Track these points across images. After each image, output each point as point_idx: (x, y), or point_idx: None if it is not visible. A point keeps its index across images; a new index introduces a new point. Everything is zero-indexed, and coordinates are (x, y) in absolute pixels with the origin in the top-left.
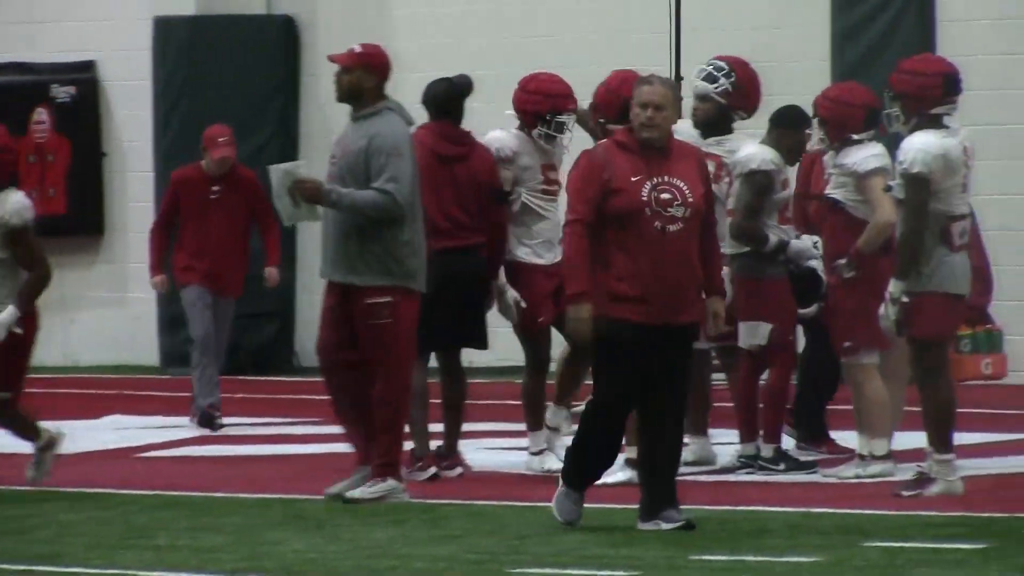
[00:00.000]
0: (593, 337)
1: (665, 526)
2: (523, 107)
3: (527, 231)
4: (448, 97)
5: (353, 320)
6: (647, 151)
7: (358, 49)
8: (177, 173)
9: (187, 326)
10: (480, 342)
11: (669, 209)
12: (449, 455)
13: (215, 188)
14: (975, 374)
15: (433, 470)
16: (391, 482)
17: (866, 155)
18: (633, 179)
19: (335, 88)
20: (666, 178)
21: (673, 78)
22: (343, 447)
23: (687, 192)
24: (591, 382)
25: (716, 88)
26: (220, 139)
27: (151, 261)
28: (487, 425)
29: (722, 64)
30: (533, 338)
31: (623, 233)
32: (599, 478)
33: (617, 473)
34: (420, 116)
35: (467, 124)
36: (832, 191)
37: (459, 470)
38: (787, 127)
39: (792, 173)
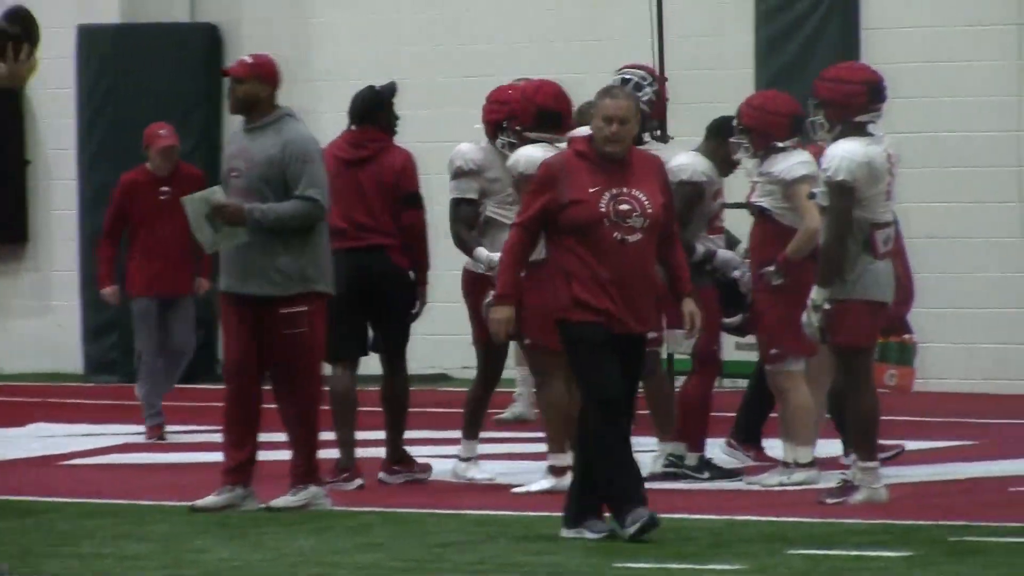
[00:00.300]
0: (562, 345)
1: (591, 536)
2: (484, 117)
3: (491, 244)
4: (366, 103)
5: (265, 331)
6: (607, 162)
7: (249, 59)
8: (124, 177)
9: (114, 333)
10: (394, 348)
11: (628, 220)
12: (397, 459)
13: (164, 189)
14: (878, 384)
15: (359, 481)
16: (313, 489)
17: (793, 162)
18: (591, 190)
19: (230, 100)
20: (625, 189)
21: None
22: (269, 455)
23: (646, 203)
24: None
25: (643, 97)
26: (161, 131)
27: (101, 271)
28: (410, 433)
29: (644, 73)
30: (487, 350)
31: (583, 244)
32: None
33: (541, 481)
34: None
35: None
36: (759, 199)
37: (358, 482)
38: (724, 137)
39: (732, 183)
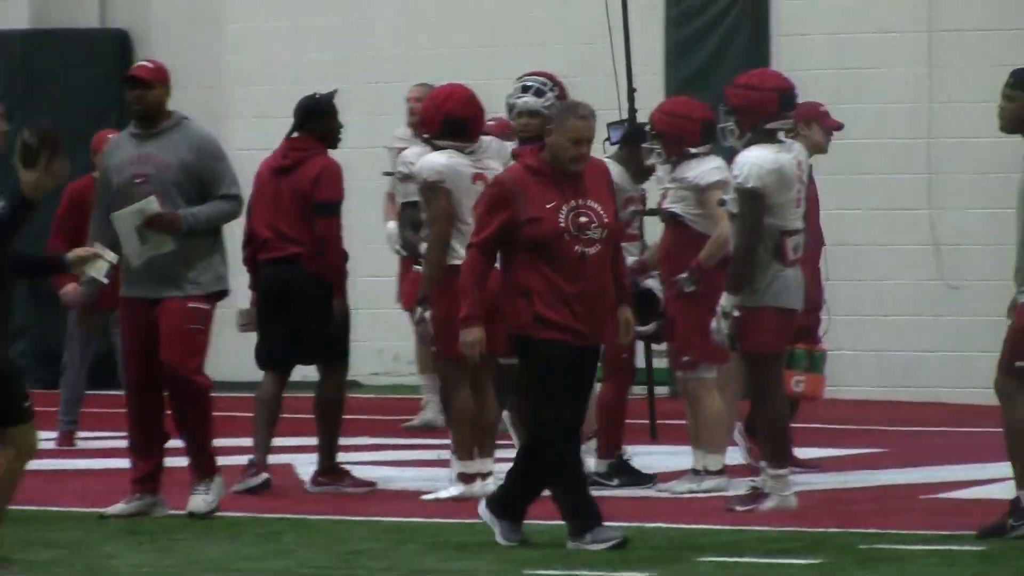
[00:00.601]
0: (523, 364)
1: (597, 547)
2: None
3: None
4: (302, 111)
5: (161, 331)
6: (560, 175)
7: (151, 65)
8: (72, 186)
9: (23, 340)
10: (312, 358)
11: (587, 232)
12: (324, 469)
13: None
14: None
15: (265, 476)
16: (217, 479)
17: (707, 168)
18: (548, 205)
19: (136, 106)
20: (581, 201)
21: (628, 90)
22: (180, 460)
23: (602, 213)
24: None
25: (545, 103)
26: (110, 137)
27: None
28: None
29: (544, 79)
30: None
31: (543, 259)
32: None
33: (450, 488)
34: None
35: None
36: (670, 205)
37: (264, 476)
38: (637, 144)
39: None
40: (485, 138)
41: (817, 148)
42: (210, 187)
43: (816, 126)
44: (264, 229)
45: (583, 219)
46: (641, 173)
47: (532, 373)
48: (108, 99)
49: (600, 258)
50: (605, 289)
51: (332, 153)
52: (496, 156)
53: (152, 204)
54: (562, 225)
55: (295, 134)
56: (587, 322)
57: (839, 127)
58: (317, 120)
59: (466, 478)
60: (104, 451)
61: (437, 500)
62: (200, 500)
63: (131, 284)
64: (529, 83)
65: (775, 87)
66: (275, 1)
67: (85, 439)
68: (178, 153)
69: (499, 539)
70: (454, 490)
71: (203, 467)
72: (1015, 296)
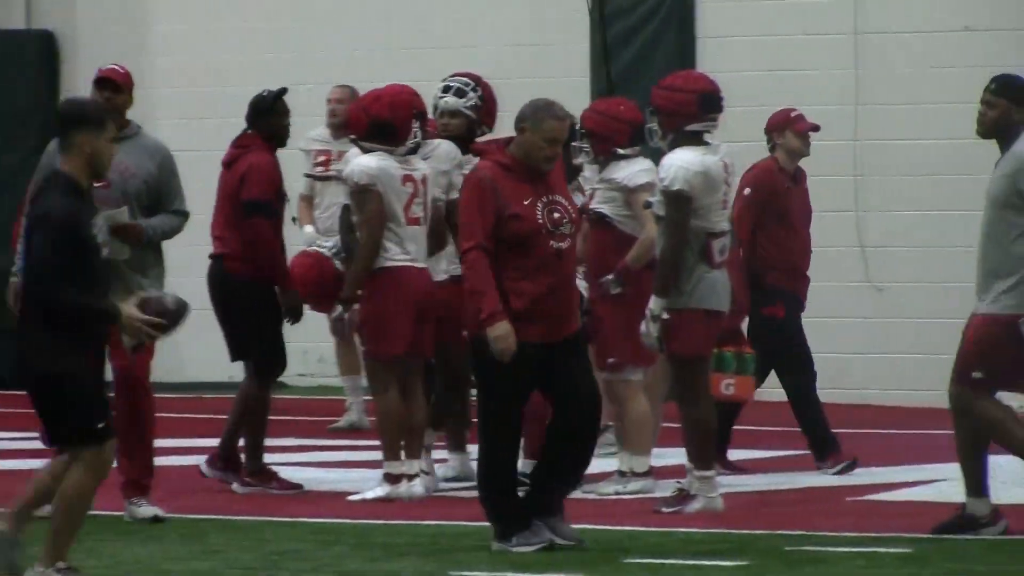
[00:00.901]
0: (483, 354)
1: (560, 541)
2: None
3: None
4: (250, 108)
5: (112, 336)
6: (530, 172)
7: (121, 70)
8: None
9: None
10: (233, 356)
11: (560, 228)
12: (255, 471)
13: None
14: (714, 394)
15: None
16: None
17: (636, 170)
18: (525, 202)
19: (118, 111)
20: (551, 197)
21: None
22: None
23: (570, 208)
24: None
25: (466, 103)
26: None
27: None
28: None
29: (467, 79)
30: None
31: (520, 256)
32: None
33: (376, 488)
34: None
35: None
36: (598, 205)
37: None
38: (566, 144)
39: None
40: (433, 140)
41: (797, 152)
42: (165, 200)
43: (789, 133)
44: (212, 224)
45: (556, 215)
46: (569, 172)
47: (486, 366)
48: (33, 100)
49: (570, 252)
50: (573, 282)
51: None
52: (445, 158)
53: (123, 215)
54: (540, 222)
55: (249, 131)
56: (561, 316)
57: (815, 128)
58: (263, 118)
59: (392, 479)
60: (27, 452)
61: (364, 501)
62: (137, 510)
63: None
64: (451, 83)
65: (696, 89)
66: (200, 3)
67: (7, 439)
68: (143, 164)
69: (560, 542)
70: (380, 491)
71: (150, 468)
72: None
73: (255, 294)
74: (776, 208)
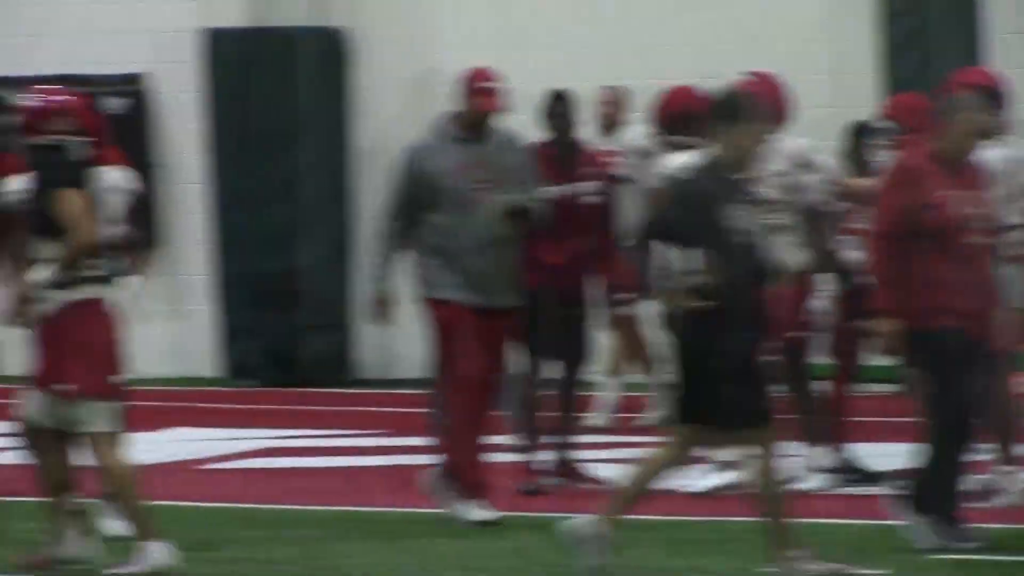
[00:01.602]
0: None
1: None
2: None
3: None
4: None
5: None
6: (955, 165)
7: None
8: None
9: (255, 337)
10: None
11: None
12: None
13: None
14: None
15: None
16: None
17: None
18: (944, 194)
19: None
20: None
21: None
22: (401, 459)
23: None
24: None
25: None
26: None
27: None
28: None
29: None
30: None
31: (942, 249)
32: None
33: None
34: None
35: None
36: None
37: None
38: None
39: None
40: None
41: None
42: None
43: None
44: None
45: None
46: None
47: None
48: (313, 102)
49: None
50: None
51: None
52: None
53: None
54: (958, 215)
55: None
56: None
57: None
58: None
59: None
60: (328, 450)
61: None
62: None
63: None
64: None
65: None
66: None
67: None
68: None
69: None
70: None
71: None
72: None
73: None
74: None
